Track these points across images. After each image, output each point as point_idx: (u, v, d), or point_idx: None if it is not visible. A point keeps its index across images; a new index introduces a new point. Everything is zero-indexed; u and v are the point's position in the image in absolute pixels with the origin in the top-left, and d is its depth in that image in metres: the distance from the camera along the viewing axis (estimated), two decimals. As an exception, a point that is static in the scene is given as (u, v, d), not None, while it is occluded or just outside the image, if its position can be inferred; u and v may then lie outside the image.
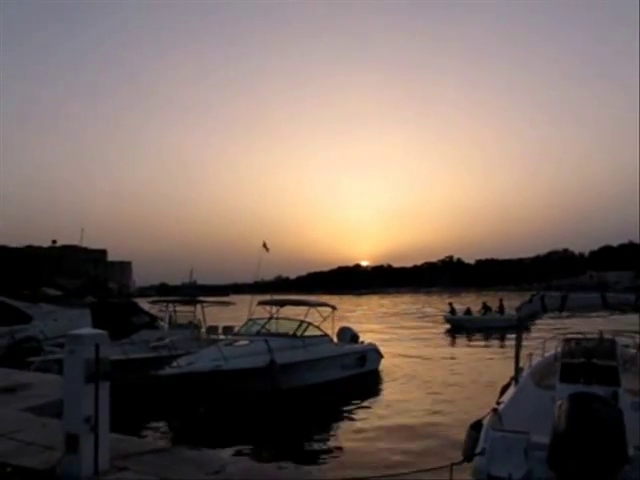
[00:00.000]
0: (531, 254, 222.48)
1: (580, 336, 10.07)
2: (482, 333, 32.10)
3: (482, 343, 28.91)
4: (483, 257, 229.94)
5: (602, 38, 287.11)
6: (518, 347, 8.57)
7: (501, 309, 39.07)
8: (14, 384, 9.54)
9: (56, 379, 9.57)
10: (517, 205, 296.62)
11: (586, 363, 8.13)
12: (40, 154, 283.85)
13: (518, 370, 8.77)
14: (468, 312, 39.45)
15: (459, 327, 35.64)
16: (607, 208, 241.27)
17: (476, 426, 6.52)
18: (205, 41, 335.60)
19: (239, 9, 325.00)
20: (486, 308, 39.59)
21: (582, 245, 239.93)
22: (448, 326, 37.05)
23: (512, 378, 8.84)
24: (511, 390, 8.39)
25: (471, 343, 28.97)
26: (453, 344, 28.78)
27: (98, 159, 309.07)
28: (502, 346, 26.10)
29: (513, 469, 5.36)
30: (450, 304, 41.23)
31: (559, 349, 9.27)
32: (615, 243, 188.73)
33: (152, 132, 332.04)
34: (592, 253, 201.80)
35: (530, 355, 9.77)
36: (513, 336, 30.29)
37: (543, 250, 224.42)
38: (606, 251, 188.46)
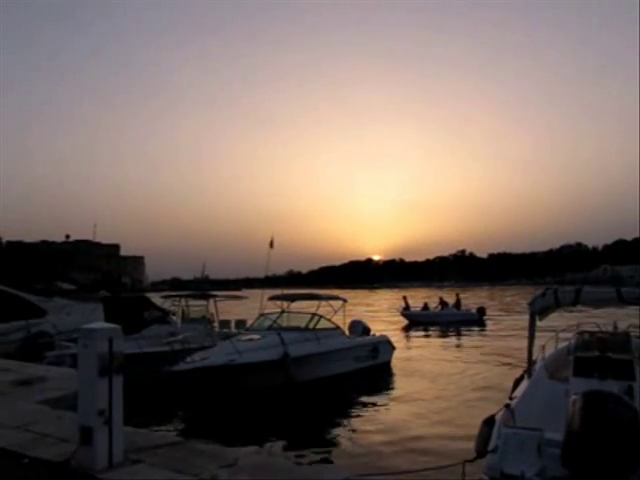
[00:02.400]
0: (544, 248, 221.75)
1: (594, 329, 9.96)
2: (439, 328, 32.18)
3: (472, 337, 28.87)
4: (495, 251, 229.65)
5: (616, 33, 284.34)
6: (531, 341, 8.49)
7: (458, 304, 39.39)
8: (30, 377, 9.64)
9: (70, 372, 9.64)
10: (530, 199, 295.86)
11: (600, 357, 8.04)
12: (53, 150, 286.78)
13: (531, 363, 8.70)
14: (425, 307, 39.55)
15: (416, 322, 35.41)
16: (621, 202, 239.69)
17: (489, 422, 6.47)
18: (218, 37, 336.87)
19: (253, 5, 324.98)
20: (443, 303, 39.80)
21: (596, 239, 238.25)
22: (406, 321, 36.87)
23: (525, 371, 8.78)
24: (524, 384, 8.33)
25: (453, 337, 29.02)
26: (448, 339, 28.70)
27: (111, 155, 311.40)
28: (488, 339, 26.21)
29: (526, 466, 5.32)
30: (404, 298, 40.84)
31: (572, 342, 9.18)
32: (629, 237, 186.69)
33: (164, 128, 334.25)
34: (606, 247, 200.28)
35: (543, 347, 9.69)
36: (469, 330, 30.28)
37: (556, 244, 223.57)
38: (620, 245, 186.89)
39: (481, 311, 37.69)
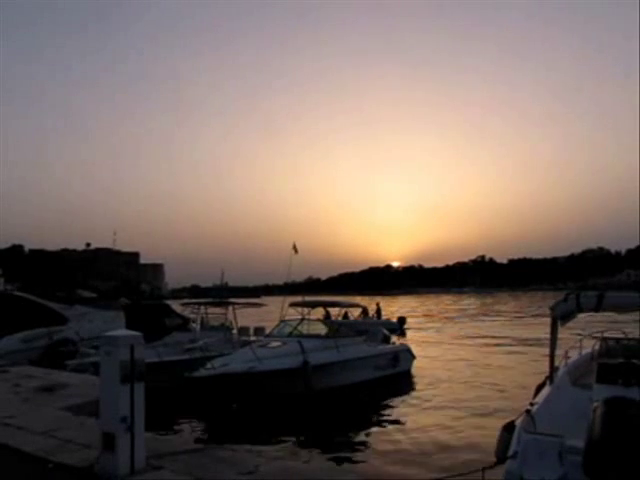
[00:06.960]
0: (565, 253, 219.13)
1: (619, 335, 9.81)
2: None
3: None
4: (516, 256, 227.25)
5: (629, 37, 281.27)
6: (553, 346, 8.39)
7: (378, 313, 39.28)
8: (53, 384, 9.76)
9: (93, 379, 9.73)
10: (550, 203, 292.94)
11: (625, 363, 7.91)
12: (74, 159, 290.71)
13: (553, 369, 8.59)
14: (345, 316, 39.31)
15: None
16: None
17: (509, 428, 6.39)
18: (235, 45, 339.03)
19: (270, 14, 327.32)
20: (364, 312, 39.52)
21: (619, 243, 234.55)
22: None
23: (547, 377, 8.67)
24: (546, 390, 8.23)
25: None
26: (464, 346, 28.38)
27: (131, 164, 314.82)
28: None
29: (547, 473, 5.23)
30: (324, 307, 40.56)
31: (596, 348, 9.05)
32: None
33: (184, 136, 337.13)
34: (629, 251, 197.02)
35: (566, 353, 9.57)
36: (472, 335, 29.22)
37: (578, 249, 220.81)
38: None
39: (401, 320, 37.76)
